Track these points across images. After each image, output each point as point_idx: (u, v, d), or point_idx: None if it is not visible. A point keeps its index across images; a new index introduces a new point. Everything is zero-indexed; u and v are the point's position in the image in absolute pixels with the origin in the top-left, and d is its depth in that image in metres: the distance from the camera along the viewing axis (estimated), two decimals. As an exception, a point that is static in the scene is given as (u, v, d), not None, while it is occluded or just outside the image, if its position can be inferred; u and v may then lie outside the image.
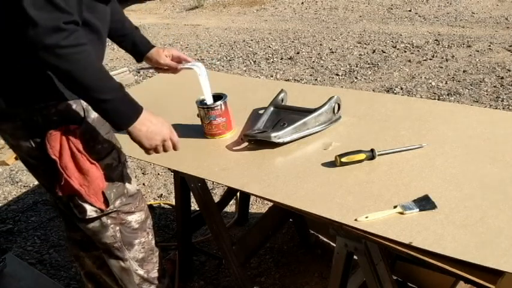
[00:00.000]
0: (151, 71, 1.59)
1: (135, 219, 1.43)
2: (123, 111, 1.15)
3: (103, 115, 1.16)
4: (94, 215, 1.33)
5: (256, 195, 1.26)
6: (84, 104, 1.23)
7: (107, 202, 1.32)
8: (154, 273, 1.54)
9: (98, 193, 1.28)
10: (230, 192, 2.14)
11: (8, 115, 1.18)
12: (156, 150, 1.25)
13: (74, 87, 1.10)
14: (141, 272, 1.49)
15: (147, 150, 1.24)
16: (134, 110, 1.17)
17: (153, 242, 1.53)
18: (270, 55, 4.80)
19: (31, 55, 1.02)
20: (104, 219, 1.35)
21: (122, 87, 1.14)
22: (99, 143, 1.29)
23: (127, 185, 1.39)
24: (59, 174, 1.21)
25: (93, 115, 1.26)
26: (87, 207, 1.30)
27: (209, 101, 1.50)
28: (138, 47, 1.51)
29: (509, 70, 3.64)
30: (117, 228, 1.39)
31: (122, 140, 1.63)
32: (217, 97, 1.53)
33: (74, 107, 1.22)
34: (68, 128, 1.20)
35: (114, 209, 1.35)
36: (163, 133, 1.23)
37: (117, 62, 5.24)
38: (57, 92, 1.19)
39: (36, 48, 0.99)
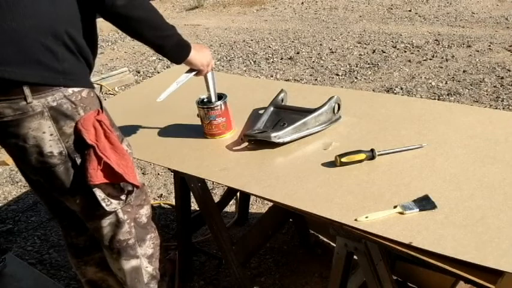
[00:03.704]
0: None
1: (144, 213, 1.44)
2: (184, 42, 1.33)
3: (169, 51, 1.31)
4: (118, 207, 1.33)
5: (256, 195, 1.25)
6: (97, 92, 1.28)
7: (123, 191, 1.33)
8: (160, 270, 1.54)
9: (133, 172, 1.29)
10: (230, 192, 2.14)
11: (35, 107, 1.12)
12: (209, 67, 1.45)
13: (146, 31, 1.24)
14: (150, 268, 1.49)
15: (203, 71, 1.44)
16: (186, 41, 1.34)
17: (160, 237, 1.53)
18: (270, 55, 4.80)
19: (107, 14, 1.16)
20: (121, 214, 1.35)
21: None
22: (116, 130, 1.32)
23: (137, 174, 1.40)
24: (97, 159, 1.20)
25: (104, 104, 1.30)
26: (113, 198, 1.30)
27: (213, 98, 1.52)
28: None
29: (509, 70, 3.64)
30: (132, 224, 1.39)
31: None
32: (217, 97, 1.53)
33: (92, 95, 1.24)
34: (97, 112, 1.22)
35: (131, 201, 1.36)
36: (208, 52, 1.44)
37: (117, 62, 5.24)
38: (84, 78, 1.22)
39: (117, 4, 1.13)
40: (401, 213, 1.05)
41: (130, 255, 1.43)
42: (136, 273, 1.47)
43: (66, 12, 1.13)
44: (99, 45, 1.55)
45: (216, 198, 2.28)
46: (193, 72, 1.44)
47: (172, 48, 1.31)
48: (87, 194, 1.27)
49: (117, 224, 1.36)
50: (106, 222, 1.35)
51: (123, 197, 1.33)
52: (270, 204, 2.06)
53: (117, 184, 1.29)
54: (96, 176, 1.21)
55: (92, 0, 1.14)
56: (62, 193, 1.29)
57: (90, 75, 1.28)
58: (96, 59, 1.33)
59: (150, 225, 1.48)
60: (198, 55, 1.38)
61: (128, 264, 1.44)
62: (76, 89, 1.18)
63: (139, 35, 1.25)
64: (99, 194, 1.26)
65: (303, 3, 6.84)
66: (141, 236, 1.44)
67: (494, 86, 3.43)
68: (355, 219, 1.05)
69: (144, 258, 1.47)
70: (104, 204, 1.29)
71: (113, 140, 1.24)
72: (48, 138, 1.17)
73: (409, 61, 4.11)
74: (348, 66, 4.20)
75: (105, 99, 3.85)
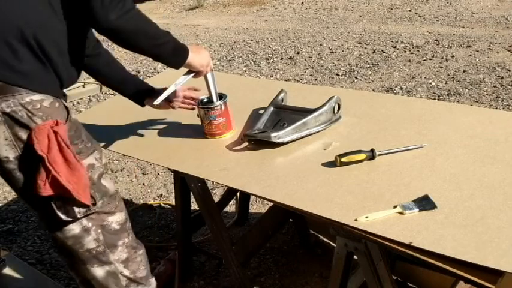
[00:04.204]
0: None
1: (115, 220, 1.40)
2: (180, 46, 1.32)
3: (167, 58, 1.30)
4: (78, 216, 1.29)
5: (256, 195, 1.25)
6: (66, 104, 1.26)
7: (93, 200, 1.30)
8: (140, 273, 1.50)
9: (85, 190, 1.25)
10: (230, 192, 2.14)
11: None
12: (208, 68, 1.45)
13: (141, 42, 1.22)
14: (126, 272, 1.46)
15: (203, 72, 1.43)
16: (183, 45, 1.34)
17: (135, 241, 1.49)
18: (270, 55, 4.80)
19: (100, 28, 1.16)
20: (85, 222, 1.31)
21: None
22: (82, 143, 1.28)
23: (107, 185, 1.37)
24: (46, 171, 1.17)
25: (74, 116, 1.27)
26: (71, 208, 1.27)
27: (215, 98, 1.51)
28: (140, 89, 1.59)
29: (509, 70, 3.64)
30: (99, 230, 1.35)
31: (122, 139, 1.63)
32: (218, 97, 1.53)
33: (57, 105, 1.21)
34: (55, 123, 1.19)
35: (96, 209, 1.32)
36: (206, 52, 1.43)
37: (117, 62, 5.24)
38: (50, 87, 1.20)
39: (110, 18, 1.12)
40: (401, 213, 1.05)
41: (101, 261, 1.40)
42: (113, 278, 1.43)
43: (39, 18, 1.13)
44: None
45: (216, 198, 2.28)
46: (192, 74, 1.44)
47: (170, 54, 1.30)
48: (43, 203, 1.24)
49: (82, 232, 1.32)
50: (70, 232, 1.32)
51: (81, 209, 1.28)
52: (270, 204, 2.06)
53: (72, 197, 1.24)
54: (45, 187, 1.18)
55: (84, 16, 1.14)
56: (24, 199, 1.27)
57: (63, 88, 1.26)
58: (79, 77, 1.33)
59: (124, 231, 1.43)
60: (197, 57, 1.37)
61: (101, 270, 1.41)
62: (35, 97, 1.16)
63: (135, 47, 1.24)
64: (54, 203, 1.24)
65: (303, 3, 6.84)
66: (112, 242, 1.40)
67: (494, 86, 3.43)
68: (355, 219, 1.05)
69: (118, 264, 1.43)
70: (59, 213, 1.26)
71: (67, 153, 1.19)
72: (4, 143, 1.17)
73: (409, 61, 4.11)
74: (348, 66, 4.20)
75: (105, 99, 3.86)
